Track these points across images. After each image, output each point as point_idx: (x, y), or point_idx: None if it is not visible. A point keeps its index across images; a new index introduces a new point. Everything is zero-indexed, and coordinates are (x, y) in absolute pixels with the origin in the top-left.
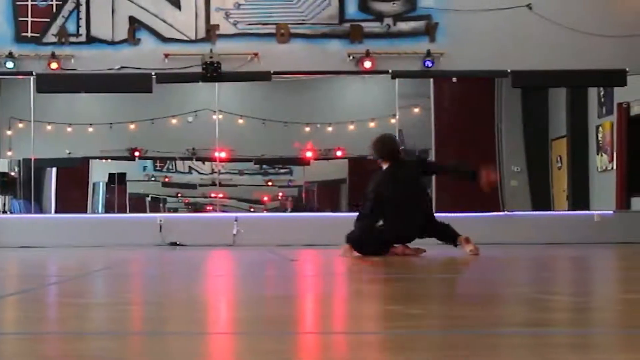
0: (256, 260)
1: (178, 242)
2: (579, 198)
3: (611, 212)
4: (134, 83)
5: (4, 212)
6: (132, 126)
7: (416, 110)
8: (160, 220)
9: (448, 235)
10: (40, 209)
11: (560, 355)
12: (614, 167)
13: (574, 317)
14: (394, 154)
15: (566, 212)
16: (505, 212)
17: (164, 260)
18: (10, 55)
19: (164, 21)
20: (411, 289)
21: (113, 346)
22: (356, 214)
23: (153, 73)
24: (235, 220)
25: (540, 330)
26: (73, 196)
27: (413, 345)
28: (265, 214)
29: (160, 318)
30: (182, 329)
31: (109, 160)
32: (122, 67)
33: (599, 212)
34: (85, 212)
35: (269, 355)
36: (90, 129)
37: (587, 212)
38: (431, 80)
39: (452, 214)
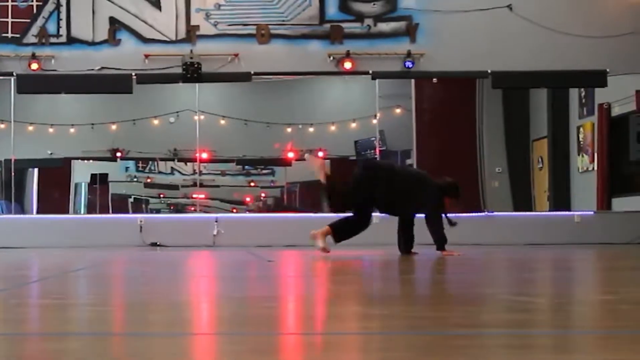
0: (232, 261)
1: (158, 243)
2: (560, 199)
3: (591, 212)
4: (114, 84)
5: None
6: (113, 127)
7: (398, 110)
8: (141, 221)
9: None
10: (22, 210)
11: (514, 356)
12: (595, 167)
13: (537, 318)
14: None
15: (546, 213)
16: (486, 213)
17: (139, 261)
18: None
19: (145, 22)
20: (379, 289)
21: (88, 346)
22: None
23: (133, 74)
24: (216, 221)
25: (500, 331)
26: (55, 197)
27: (369, 346)
28: (245, 214)
29: (136, 319)
30: (156, 330)
31: (91, 161)
32: (103, 68)
33: (579, 212)
34: (67, 212)
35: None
36: (72, 130)
37: (567, 212)
38: (412, 81)
39: None
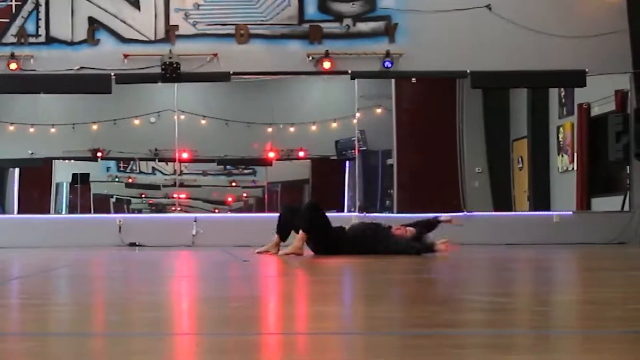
0: (207, 261)
1: (137, 243)
2: (540, 199)
3: (570, 212)
4: (93, 83)
5: None
6: (94, 127)
7: (378, 110)
8: (120, 221)
9: None
10: (2, 210)
11: (466, 356)
12: (575, 167)
13: (494, 318)
14: None
15: (525, 213)
16: (465, 213)
17: (110, 261)
18: None
19: (124, 22)
20: (346, 289)
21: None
22: None
23: (112, 74)
24: (195, 221)
25: (455, 331)
26: (36, 197)
27: (324, 346)
28: (224, 214)
29: (109, 320)
30: (130, 330)
31: (72, 161)
32: (82, 68)
33: (558, 212)
34: (48, 212)
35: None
36: (53, 130)
37: (546, 212)
38: (393, 81)
39: (413, 215)
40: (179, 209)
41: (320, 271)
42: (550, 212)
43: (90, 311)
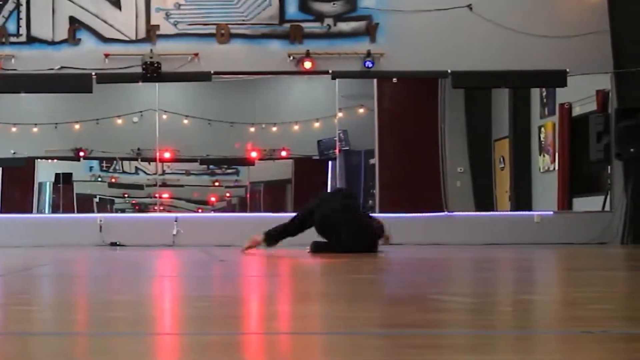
0: (185, 260)
1: (118, 243)
2: (522, 199)
3: (551, 212)
4: (74, 83)
5: None
6: (77, 126)
7: (361, 110)
8: (101, 221)
9: None
10: None
11: (418, 356)
12: (556, 167)
13: (458, 318)
14: None
15: (506, 213)
16: (446, 213)
17: (93, 260)
18: None
19: (105, 21)
20: (309, 288)
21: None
22: None
23: (93, 73)
24: (175, 221)
25: (414, 331)
26: (18, 196)
27: (277, 346)
28: (205, 214)
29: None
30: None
31: (55, 161)
32: (63, 67)
33: (538, 212)
34: (30, 212)
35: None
36: (35, 129)
37: (527, 212)
38: (375, 80)
39: (395, 215)
40: (162, 208)
41: (290, 271)
42: (532, 212)
43: (60, 311)
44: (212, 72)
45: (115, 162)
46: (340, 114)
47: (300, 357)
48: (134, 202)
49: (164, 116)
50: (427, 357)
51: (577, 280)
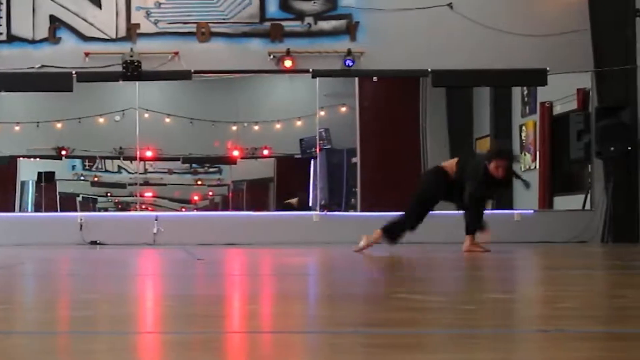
0: (163, 259)
1: (98, 241)
2: (502, 197)
3: (531, 211)
4: (54, 82)
5: None
6: (59, 125)
7: (343, 109)
8: (81, 219)
9: None
10: None
11: (374, 356)
12: (537, 166)
13: (419, 317)
14: None
15: (487, 211)
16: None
17: (73, 259)
18: None
19: (85, 20)
20: (284, 288)
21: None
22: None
23: (73, 72)
24: (156, 220)
25: (378, 330)
26: (0, 195)
27: (238, 344)
28: (187, 212)
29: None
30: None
31: (37, 159)
32: (43, 66)
33: (519, 211)
34: (12, 210)
35: None
36: (17, 128)
37: (507, 211)
38: (356, 79)
39: (377, 213)
40: (143, 207)
41: (268, 270)
42: (512, 211)
43: (29, 310)
44: (192, 70)
45: (98, 161)
46: (322, 113)
47: (277, 356)
48: (116, 200)
49: (146, 115)
50: (388, 357)
51: (550, 279)
